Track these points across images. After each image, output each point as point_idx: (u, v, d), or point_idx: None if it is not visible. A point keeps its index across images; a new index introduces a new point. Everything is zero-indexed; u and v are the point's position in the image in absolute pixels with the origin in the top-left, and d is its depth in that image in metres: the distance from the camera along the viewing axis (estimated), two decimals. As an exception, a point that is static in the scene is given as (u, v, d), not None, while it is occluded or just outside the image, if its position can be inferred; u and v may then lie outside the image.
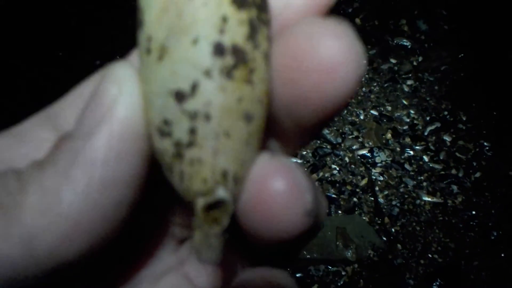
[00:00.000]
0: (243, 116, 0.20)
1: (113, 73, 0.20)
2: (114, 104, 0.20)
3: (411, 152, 1.43)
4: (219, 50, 0.19)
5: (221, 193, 0.20)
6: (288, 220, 0.21)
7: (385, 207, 1.33)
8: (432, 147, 1.44)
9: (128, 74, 0.20)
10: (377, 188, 1.36)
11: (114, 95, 0.20)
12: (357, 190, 1.36)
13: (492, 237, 1.26)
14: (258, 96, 0.21)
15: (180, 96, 0.19)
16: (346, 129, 1.49)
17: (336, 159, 1.43)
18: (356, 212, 1.32)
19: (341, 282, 1.21)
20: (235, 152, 0.20)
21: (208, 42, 0.19)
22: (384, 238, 1.27)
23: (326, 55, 0.20)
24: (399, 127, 1.49)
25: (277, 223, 0.21)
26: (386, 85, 1.60)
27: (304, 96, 0.21)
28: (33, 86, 1.48)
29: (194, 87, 0.19)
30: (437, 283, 1.19)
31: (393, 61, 1.66)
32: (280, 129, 0.23)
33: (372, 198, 1.35)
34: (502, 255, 1.23)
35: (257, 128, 0.21)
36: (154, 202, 0.26)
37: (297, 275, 1.22)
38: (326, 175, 1.39)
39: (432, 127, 1.48)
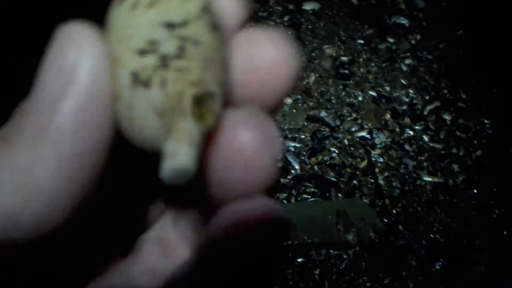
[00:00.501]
0: (221, 61, 0.22)
1: (68, 35, 0.19)
2: (75, 68, 0.19)
3: (411, 132, 1.42)
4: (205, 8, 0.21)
5: (212, 87, 0.20)
6: (258, 169, 0.22)
7: (386, 188, 1.32)
8: (432, 127, 1.42)
9: (85, 33, 0.19)
10: (377, 170, 1.35)
11: (73, 58, 0.19)
12: (357, 172, 1.35)
13: (494, 216, 1.25)
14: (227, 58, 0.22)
15: (170, 25, 0.19)
16: (345, 111, 1.47)
17: (335, 142, 1.41)
18: (357, 195, 1.31)
19: (343, 266, 1.20)
20: (218, 78, 0.21)
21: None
22: (385, 220, 1.26)
23: (266, 59, 0.23)
24: (398, 107, 1.47)
25: (247, 173, 0.21)
26: (384, 65, 1.57)
27: (251, 93, 0.24)
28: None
29: (186, 22, 0.20)
30: (440, 263, 1.18)
31: (391, 40, 1.64)
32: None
33: (372, 180, 1.33)
34: (505, 233, 1.22)
35: (228, 81, 0.23)
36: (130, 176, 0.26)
37: (299, 260, 1.21)
38: (325, 158, 1.38)
39: (432, 106, 1.46)
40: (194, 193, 0.26)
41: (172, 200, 0.27)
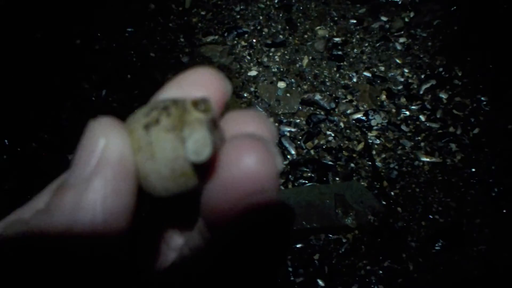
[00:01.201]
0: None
1: (98, 125, 0.24)
2: (104, 151, 0.24)
3: (407, 113, 1.40)
4: None
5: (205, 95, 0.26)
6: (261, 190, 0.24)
7: (383, 170, 1.31)
8: (428, 106, 1.41)
9: (112, 124, 0.24)
10: (374, 152, 1.34)
11: (103, 143, 0.24)
12: (354, 155, 1.33)
13: (493, 194, 1.24)
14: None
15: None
16: (339, 93, 1.45)
17: (331, 125, 1.39)
18: (354, 178, 1.29)
19: (343, 250, 1.19)
20: None
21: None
22: (384, 202, 1.25)
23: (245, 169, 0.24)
24: (393, 87, 1.45)
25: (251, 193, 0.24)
26: (378, 44, 1.55)
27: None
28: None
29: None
30: (440, 244, 1.18)
31: (384, 18, 1.61)
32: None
33: (370, 163, 1.32)
34: (504, 211, 1.21)
35: None
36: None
37: (298, 245, 1.20)
38: (321, 142, 1.36)
39: (428, 85, 1.44)
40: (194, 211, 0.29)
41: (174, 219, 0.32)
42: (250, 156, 0.24)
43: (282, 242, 0.25)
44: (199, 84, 0.28)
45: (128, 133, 0.25)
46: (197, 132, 0.24)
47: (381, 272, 1.15)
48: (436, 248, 1.17)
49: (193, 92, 0.28)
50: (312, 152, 1.34)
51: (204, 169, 0.25)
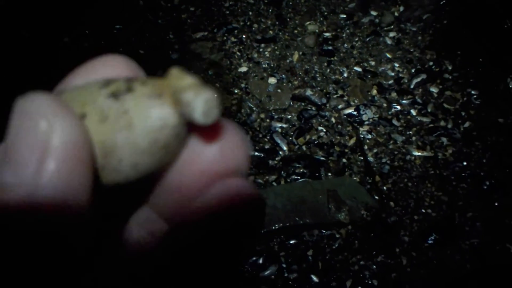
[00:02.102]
0: None
1: (33, 107, 0.20)
2: (50, 141, 0.19)
3: (398, 107, 1.40)
4: None
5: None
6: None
7: (375, 165, 1.30)
8: (419, 100, 1.41)
9: (51, 103, 0.20)
10: (366, 147, 1.33)
11: (45, 130, 0.19)
12: (346, 150, 1.33)
13: (485, 187, 1.25)
14: None
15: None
16: (330, 88, 1.45)
17: (322, 120, 1.39)
18: (346, 173, 1.29)
19: (336, 245, 1.19)
20: None
21: None
22: (377, 197, 1.25)
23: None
24: (384, 82, 1.45)
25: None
26: (368, 39, 1.55)
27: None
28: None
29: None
30: (433, 238, 1.18)
31: (374, 13, 1.61)
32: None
33: (362, 158, 1.32)
34: (496, 204, 1.22)
35: None
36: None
37: (291, 241, 1.20)
38: (313, 137, 1.35)
39: (418, 79, 1.44)
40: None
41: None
42: (225, 137, 0.23)
43: (250, 231, 0.24)
44: (108, 70, 0.25)
45: (81, 106, 0.22)
46: (204, 92, 0.22)
47: (374, 267, 1.15)
48: (429, 242, 1.18)
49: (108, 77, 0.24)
50: (304, 147, 1.34)
51: (190, 137, 0.23)
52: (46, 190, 0.19)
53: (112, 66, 0.25)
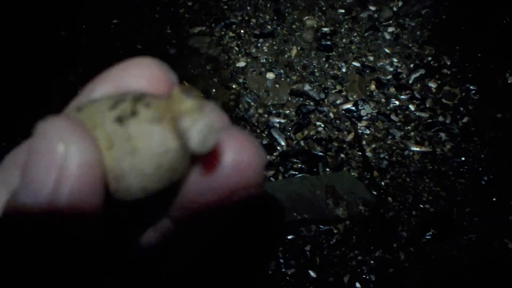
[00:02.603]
0: None
1: (52, 130, 0.21)
2: (66, 164, 0.20)
3: (397, 102, 1.39)
4: None
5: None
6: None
7: (374, 160, 1.30)
8: (417, 95, 1.40)
9: (69, 127, 0.21)
10: (364, 142, 1.33)
11: (62, 153, 0.20)
12: (344, 145, 1.33)
13: (483, 182, 1.25)
14: None
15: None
16: (329, 83, 1.44)
17: (321, 115, 1.38)
18: (345, 169, 1.29)
19: (334, 241, 1.19)
20: None
21: None
22: (375, 192, 1.25)
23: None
24: (382, 77, 1.45)
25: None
26: (366, 34, 1.54)
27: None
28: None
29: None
30: (431, 233, 1.18)
31: (372, 8, 1.60)
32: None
33: (360, 153, 1.31)
34: (494, 199, 1.22)
35: None
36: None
37: (289, 237, 1.20)
38: (311, 133, 1.35)
39: (417, 75, 1.43)
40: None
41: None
42: (239, 148, 0.23)
43: (271, 237, 0.24)
44: (138, 76, 0.25)
45: (91, 130, 0.22)
46: (200, 120, 0.21)
47: (372, 262, 1.15)
48: (427, 237, 1.17)
49: (133, 85, 0.24)
50: (302, 143, 1.33)
51: (195, 159, 0.23)
52: (62, 210, 0.20)
53: (138, 71, 0.25)
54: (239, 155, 0.23)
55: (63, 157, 0.20)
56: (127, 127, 0.22)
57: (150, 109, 0.22)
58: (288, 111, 1.39)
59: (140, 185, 0.22)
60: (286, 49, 1.51)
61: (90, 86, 0.26)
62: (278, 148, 1.33)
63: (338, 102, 1.40)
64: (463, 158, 1.29)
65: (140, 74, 0.25)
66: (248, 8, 1.62)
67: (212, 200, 0.23)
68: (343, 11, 1.60)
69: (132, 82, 0.24)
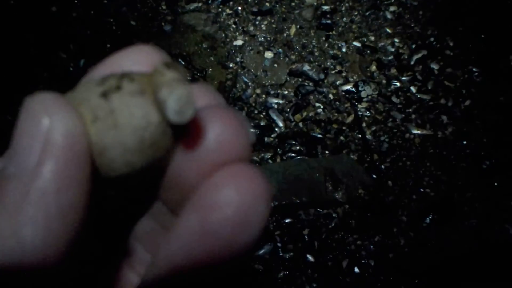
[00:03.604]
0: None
1: (39, 103, 0.21)
2: (50, 133, 0.20)
3: (398, 84, 1.36)
4: None
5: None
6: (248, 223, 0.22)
7: (374, 143, 1.27)
8: (419, 77, 1.37)
9: (55, 100, 0.21)
10: (364, 125, 1.30)
11: (47, 123, 0.21)
12: (344, 128, 1.30)
13: (485, 167, 1.23)
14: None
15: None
16: (328, 63, 1.40)
17: (320, 96, 1.35)
18: (344, 151, 1.26)
19: (332, 224, 1.17)
20: None
21: None
22: (374, 176, 1.22)
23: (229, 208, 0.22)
24: (383, 58, 1.41)
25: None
26: (367, 13, 1.50)
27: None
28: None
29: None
30: (431, 218, 1.16)
31: (374, -14, 1.56)
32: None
33: (360, 135, 1.29)
34: (495, 184, 1.20)
35: None
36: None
37: (286, 220, 1.18)
38: (310, 114, 1.32)
39: (419, 56, 1.40)
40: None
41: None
42: (223, 125, 0.23)
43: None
44: (138, 62, 0.25)
45: (77, 106, 0.22)
46: (178, 89, 0.21)
47: (371, 246, 1.14)
48: (427, 222, 1.16)
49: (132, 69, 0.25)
50: (300, 124, 1.30)
51: (178, 135, 0.23)
52: (46, 180, 0.20)
53: (137, 58, 0.25)
54: (223, 132, 0.22)
55: (47, 129, 0.21)
56: (111, 101, 0.22)
57: (133, 83, 0.22)
58: (286, 92, 1.36)
59: (123, 159, 0.22)
60: (285, 27, 1.47)
61: (89, 74, 0.26)
62: (276, 129, 1.30)
63: (338, 83, 1.37)
64: (464, 142, 1.26)
65: (139, 61, 0.25)
66: (246, -16, 1.57)
67: (198, 178, 0.23)
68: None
69: (131, 68, 0.25)
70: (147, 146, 0.22)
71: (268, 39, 1.44)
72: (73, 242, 0.21)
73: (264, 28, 1.47)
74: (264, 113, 1.32)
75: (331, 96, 1.35)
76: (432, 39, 1.44)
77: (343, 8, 1.51)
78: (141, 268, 0.28)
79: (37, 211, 0.20)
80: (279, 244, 1.15)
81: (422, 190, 1.20)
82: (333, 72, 1.39)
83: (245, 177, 0.22)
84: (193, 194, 0.22)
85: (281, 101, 1.34)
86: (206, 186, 0.22)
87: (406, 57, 1.41)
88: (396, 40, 1.44)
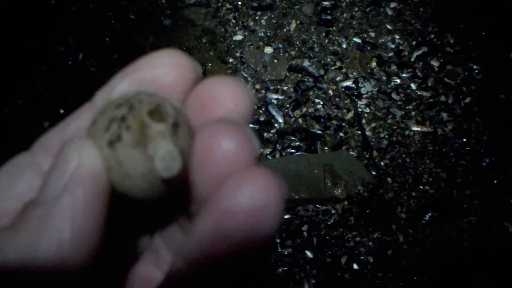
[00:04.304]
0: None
1: (72, 145, 0.24)
2: (77, 169, 0.23)
3: (398, 81, 1.36)
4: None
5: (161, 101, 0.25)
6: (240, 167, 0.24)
7: (373, 140, 1.27)
8: (419, 74, 1.37)
9: (85, 144, 0.24)
10: (364, 121, 1.30)
11: (76, 161, 0.23)
12: (343, 124, 1.29)
13: (484, 164, 1.22)
14: None
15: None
16: (328, 59, 1.40)
17: (320, 92, 1.34)
18: (343, 148, 1.26)
19: (331, 221, 1.16)
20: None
21: None
22: (374, 173, 1.22)
23: (222, 156, 0.24)
24: (384, 54, 1.41)
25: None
26: (368, 9, 1.49)
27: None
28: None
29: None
30: (430, 215, 1.16)
31: (374, -18, 1.55)
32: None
33: (359, 132, 1.28)
34: (495, 182, 1.20)
35: None
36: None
37: (285, 216, 1.17)
38: (309, 110, 1.31)
39: (419, 52, 1.39)
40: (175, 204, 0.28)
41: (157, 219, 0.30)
42: (227, 140, 0.24)
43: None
44: (164, 66, 0.27)
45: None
46: (161, 148, 0.23)
47: (370, 243, 1.13)
48: (426, 219, 1.15)
49: (158, 75, 0.26)
50: (300, 120, 1.30)
51: (187, 159, 0.25)
52: (65, 207, 0.23)
53: (161, 65, 0.27)
54: (229, 147, 0.24)
55: (76, 166, 0.23)
56: (117, 152, 0.24)
57: (130, 133, 0.24)
58: (286, 87, 1.35)
59: (143, 196, 0.24)
60: (285, 23, 1.46)
61: (114, 80, 0.27)
62: (276, 125, 1.29)
63: (337, 79, 1.36)
64: (464, 139, 1.26)
65: (166, 66, 0.27)
66: (246, -21, 1.56)
67: (209, 189, 0.24)
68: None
69: (158, 75, 0.27)
70: (158, 185, 0.24)
71: (268, 34, 1.44)
72: (90, 255, 0.23)
73: (264, 23, 1.46)
74: (263, 109, 1.31)
75: (331, 92, 1.34)
76: (432, 36, 1.43)
77: (343, 4, 1.51)
78: (165, 267, 0.30)
79: (51, 236, 0.22)
80: (277, 240, 1.14)
81: (421, 187, 1.20)
82: (333, 68, 1.38)
83: (257, 181, 0.22)
84: (208, 200, 0.23)
85: (280, 97, 1.33)
86: (220, 191, 0.23)
87: (407, 53, 1.40)
88: (397, 36, 1.44)
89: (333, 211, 1.17)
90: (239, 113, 0.27)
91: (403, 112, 1.31)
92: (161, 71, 0.26)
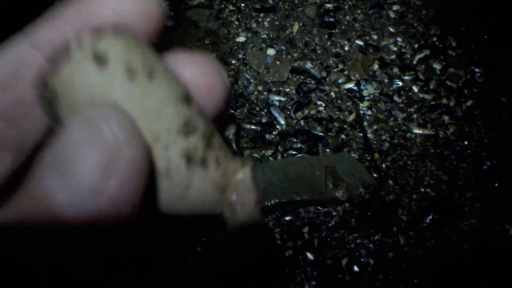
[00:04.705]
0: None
1: (98, 117, 0.19)
2: (115, 160, 0.18)
3: (400, 83, 1.36)
4: None
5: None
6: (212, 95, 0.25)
7: (375, 142, 1.27)
8: (421, 77, 1.37)
9: (115, 113, 0.19)
10: (365, 123, 1.30)
11: (113, 143, 0.18)
12: (345, 126, 1.30)
13: (485, 167, 1.22)
14: None
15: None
16: (331, 62, 1.40)
17: (322, 94, 1.35)
18: (345, 150, 1.26)
19: (333, 223, 1.17)
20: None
21: None
22: (375, 175, 1.22)
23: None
24: (386, 56, 1.41)
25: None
26: (371, 12, 1.50)
27: None
28: None
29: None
30: (431, 217, 1.16)
31: (377, -15, 1.55)
32: None
33: (361, 134, 1.28)
34: (496, 185, 1.20)
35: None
36: None
37: (286, 218, 1.17)
38: (311, 112, 1.32)
39: (421, 55, 1.40)
40: None
41: None
42: (196, 66, 0.24)
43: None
44: (190, 68, 0.25)
45: (150, 137, 0.20)
46: (246, 204, 0.23)
47: (371, 245, 1.13)
48: (427, 221, 1.16)
49: (120, 10, 0.23)
50: (302, 122, 1.30)
51: None
52: (101, 211, 0.18)
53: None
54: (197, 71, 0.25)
55: (113, 151, 0.18)
56: (192, 173, 0.21)
57: (218, 171, 0.22)
58: (288, 89, 1.36)
59: (178, 211, 0.23)
60: (288, 24, 1.47)
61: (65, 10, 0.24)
62: (278, 127, 1.29)
63: (340, 81, 1.36)
64: (466, 142, 1.26)
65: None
66: (249, -19, 1.56)
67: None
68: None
69: (120, 10, 0.23)
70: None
71: (271, 36, 1.44)
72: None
73: (267, 25, 1.46)
74: (265, 110, 1.32)
75: (333, 94, 1.35)
76: (435, 38, 1.44)
77: (346, 7, 1.51)
78: None
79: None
80: (278, 242, 1.15)
81: (422, 189, 1.20)
82: (335, 70, 1.38)
83: None
84: None
85: (282, 99, 1.34)
86: None
87: (409, 56, 1.41)
88: (399, 39, 1.44)
89: (334, 213, 1.18)
90: (133, 20, 0.23)
91: (404, 115, 1.31)
92: (124, 6, 0.23)
